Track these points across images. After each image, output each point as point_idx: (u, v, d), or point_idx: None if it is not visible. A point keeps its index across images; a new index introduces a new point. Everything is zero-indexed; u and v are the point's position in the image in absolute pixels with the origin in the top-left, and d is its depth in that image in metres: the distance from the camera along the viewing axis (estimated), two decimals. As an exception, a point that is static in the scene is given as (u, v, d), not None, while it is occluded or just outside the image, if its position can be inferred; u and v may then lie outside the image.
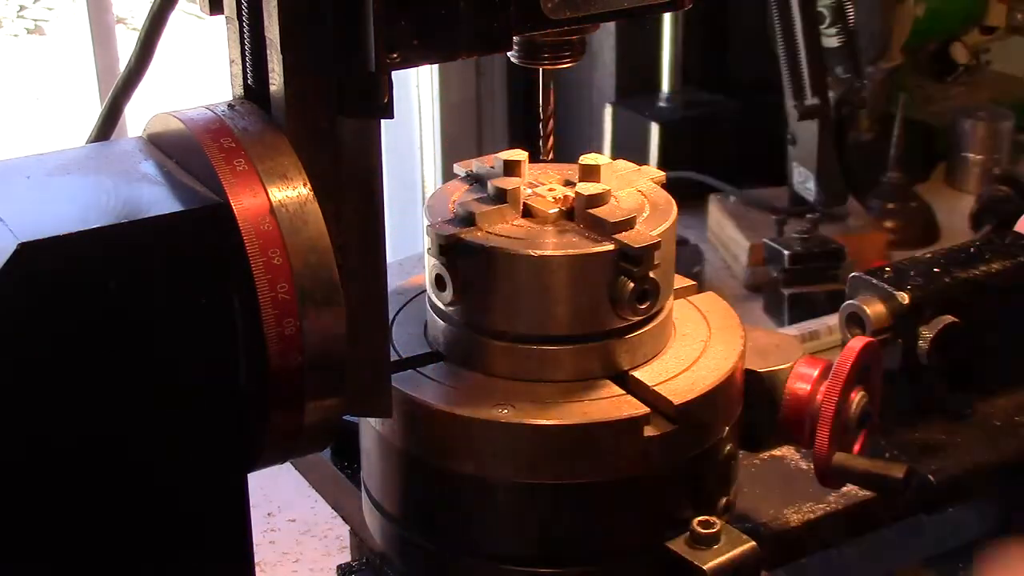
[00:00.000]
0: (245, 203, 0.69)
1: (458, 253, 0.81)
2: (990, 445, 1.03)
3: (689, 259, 1.98)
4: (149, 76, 0.89)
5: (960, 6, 2.49)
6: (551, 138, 0.89)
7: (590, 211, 0.82)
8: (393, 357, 0.83)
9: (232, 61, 0.76)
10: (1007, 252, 1.06)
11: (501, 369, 0.83)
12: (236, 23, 0.75)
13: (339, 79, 0.72)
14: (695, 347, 0.86)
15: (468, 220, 0.82)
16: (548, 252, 0.80)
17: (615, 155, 0.94)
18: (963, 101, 2.58)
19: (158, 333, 0.68)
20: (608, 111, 2.43)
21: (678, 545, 0.81)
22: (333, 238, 0.72)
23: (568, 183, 0.87)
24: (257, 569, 0.76)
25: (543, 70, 0.85)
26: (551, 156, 0.90)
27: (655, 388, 0.81)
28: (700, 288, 0.93)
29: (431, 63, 0.71)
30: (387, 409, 0.79)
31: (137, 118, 0.86)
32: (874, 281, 1.00)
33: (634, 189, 0.87)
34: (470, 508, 0.82)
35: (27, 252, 0.63)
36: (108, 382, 0.67)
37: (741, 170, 2.38)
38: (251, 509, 0.74)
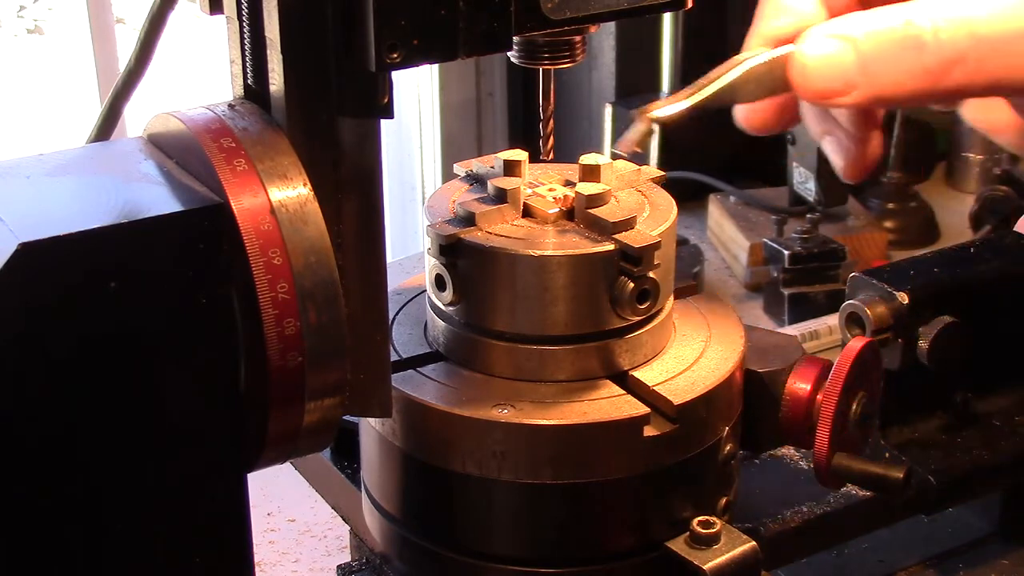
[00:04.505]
0: (245, 203, 0.69)
1: (458, 253, 0.81)
2: (990, 445, 1.03)
3: (689, 259, 1.97)
4: (149, 76, 0.89)
5: (960, 6, 2.49)
6: (551, 138, 0.89)
7: (590, 211, 0.82)
8: (393, 357, 0.83)
9: (232, 61, 0.76)
10: (1007, 252, 1.06)
11: (501, 369, 0.83)
12: (236, 23, 0.75)
13: (339, 79, 0.72)
14: (695, 347, 0.86)
15: (468, 220, 0.82)
16: (548, 252, 0.80)
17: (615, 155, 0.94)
18: (963, 101, 2.58)
19: (158, 333, 0.68)
20: (608, 111, 2.43)
21: (678, 545, 0.81)
22: (333, 238, 0.72)
23: (568, 183, 0.87)
24: (257, 569, 0.76)
25: (543, 70, 0.85)
26: (551, 156, 0.89)
27: (655, 388, 0.81)
28: (700, 288, 0.94)
29: (431, 63, 0.71)
30: (387, 409, 0.79)
31: (137, 118, 0.86)
32: (874, 281, 1.00)
33: (634, 189, 0.87)
34: (470, 508, 0.82)
35: (27, 252, 0.63)
36: (108, 382, 0.67)
37: (741, 170, 2.37)
38: (251, 509, 0.74)
